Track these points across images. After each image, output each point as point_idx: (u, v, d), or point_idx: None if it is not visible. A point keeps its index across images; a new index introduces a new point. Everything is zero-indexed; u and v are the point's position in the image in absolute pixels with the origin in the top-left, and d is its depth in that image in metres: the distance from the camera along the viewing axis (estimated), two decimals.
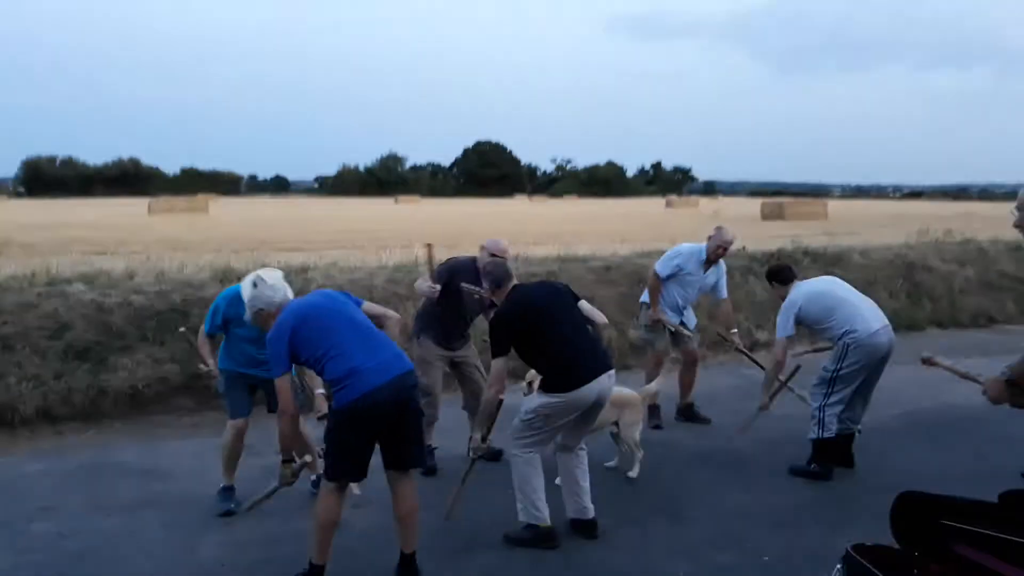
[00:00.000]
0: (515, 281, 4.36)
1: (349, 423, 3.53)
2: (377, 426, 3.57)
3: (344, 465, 3.59)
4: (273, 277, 3.91)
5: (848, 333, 5.02)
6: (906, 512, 2.14)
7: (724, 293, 6.49)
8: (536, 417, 4.15)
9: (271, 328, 3.66)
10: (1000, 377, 3.19)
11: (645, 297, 6.38)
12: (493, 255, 5.22)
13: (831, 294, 5.22)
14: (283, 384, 3.57)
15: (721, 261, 6.32)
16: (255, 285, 3.83)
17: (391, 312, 4.04)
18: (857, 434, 5.34)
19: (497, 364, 4.13)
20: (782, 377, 5.33)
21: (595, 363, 4.17)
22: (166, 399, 6.63)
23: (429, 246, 5.37)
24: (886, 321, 5.17)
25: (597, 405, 4.22)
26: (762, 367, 5.91)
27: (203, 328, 4.83)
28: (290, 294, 3.91)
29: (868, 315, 5.10)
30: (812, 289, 5.29)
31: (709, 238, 6.24)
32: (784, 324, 5.23)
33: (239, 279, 7.75)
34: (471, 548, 4.16)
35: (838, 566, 2.07)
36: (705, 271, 6.23)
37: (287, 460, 3.74)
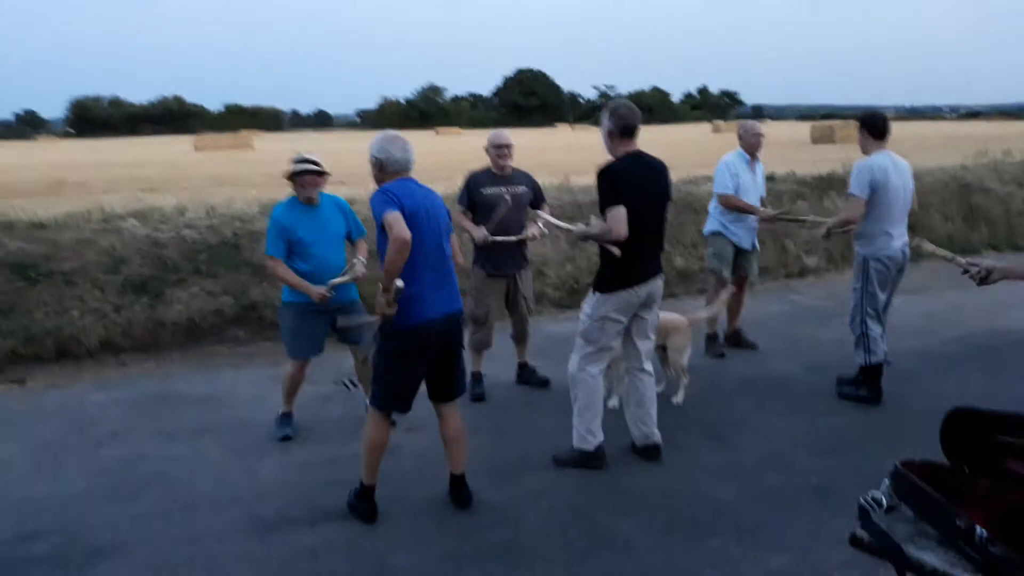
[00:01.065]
0: (636, 146, 4.14)
1: (404, 350, 3.59)
2: (426, 357, 3.64)
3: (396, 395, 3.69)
4: (409, 142, 3.72)
5: (869, 246, 5.05)
6: (957, 428, 2.14)
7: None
8: (592, 324, 4.18)
9: (378, 193, 3.51)
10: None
11: (709, 227, 6.28)
12: (497, 147, 5.22)
13: (898, 193, 5.01)
14: (391, 218, 3.38)
15: (760, 164, 6.21)
16: (390, 137, 3.69)
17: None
18: (887, 364, 5.25)
19: (617, 213, 3.93)
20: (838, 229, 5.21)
21: (653, 264, 4.20)
22: (221, 330, 6.81)
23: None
24: (906, 237, 5.13)
25: (647, 306, 4.23)
26: (808, 220, 6.54)
27: (268, 254, 4.64)
28: (411, 166, 3.70)
29: (897, 230, 5.05)
30: (887, 169, 4.98)
31: (740, 137, 6.20)
32: (860, 184, 4.95)
33: None
34: (519, 471, 4.26)
35: (886, 481, 2.08)
36: (753, 171, 6.12)
37: (387, 289, 3.45)
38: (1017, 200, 11.49)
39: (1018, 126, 51.32)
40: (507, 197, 5.15)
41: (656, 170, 4.19)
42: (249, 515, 3.83)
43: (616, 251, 3.99)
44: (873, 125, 5.08)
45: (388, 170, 3.64)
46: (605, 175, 4.04)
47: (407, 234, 3.37)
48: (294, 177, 4.64)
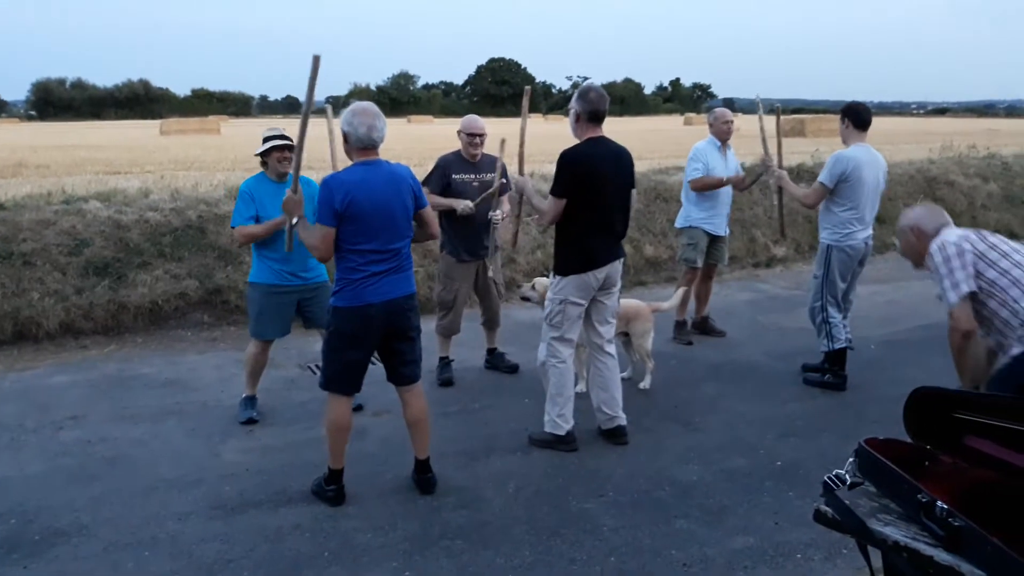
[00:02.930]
0: (601, 132, 4.15)
1: (344, 332, 3.57)
2: (369, 340, 3.61)
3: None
4: (381, 117, 3.57)
5: (834, 235, 5.10)
6: (919, 406, 2.16)
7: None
8: (555, 308, 4.19)
9: (323, 185, 3.48)
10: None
11: (680, 222, 6.28)
12: (470, 135, 5.18)
13: (868, 186, 5.06)
14: (319, 232, 3.48)
15: (731, 150, 6.23)
16: (359, 110, 3.52)
17: None
18: (850, 350, 5.30)
19: (554, 204, 4.02)
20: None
21: (612, 249, 4.22)
22: (185, 314, 6.71)
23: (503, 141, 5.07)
24: (871, 230, 5.21)
25: (606, 289, 4.25)
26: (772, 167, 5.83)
27: (232, 225, 4.56)
28: (376, 143, 3.56)
29: (863, 222, 5.12)
30: (862, 162, 5.02)
31: (710, 125, 6.23)
32: (830, 175, 5.01)
33: None
34: (488, 454, 4.26)
35: (850, 459, 2.10)
36: (724, 158, 6.14)
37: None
38: (981, 193, 11.70)
39: (983, 122, 52.31)
40: (476, 185, 5.16)
41: (619, 156, 4.19)
42: (212, 497, 3.78)
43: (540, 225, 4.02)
44: (857, 116, 5.10)
45: (352, 145, 3.56)
46: (563, 160, 4.07)
47: (328, 255, 3.53)
48: (268, 153, 4.53)
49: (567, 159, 4.05)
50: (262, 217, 4.45)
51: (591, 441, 4.38)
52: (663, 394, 5.14)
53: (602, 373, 4.39)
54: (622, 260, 4.34)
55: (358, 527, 3.50)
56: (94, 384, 5.38)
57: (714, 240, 6.21)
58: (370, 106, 3.58)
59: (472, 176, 5.18)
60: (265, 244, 4.52)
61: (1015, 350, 2.86)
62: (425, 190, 5.14)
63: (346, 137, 3.56)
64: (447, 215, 5.12)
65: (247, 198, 4.47)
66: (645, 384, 5.20)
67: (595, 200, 4.01)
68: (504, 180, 5.08)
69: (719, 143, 6.10)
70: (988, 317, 2.96)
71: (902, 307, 7.24)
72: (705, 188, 6.03)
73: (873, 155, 5.09)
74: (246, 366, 4.80)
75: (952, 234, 3.09)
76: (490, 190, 5.06)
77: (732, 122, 6.19)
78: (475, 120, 5.28)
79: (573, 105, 4.12)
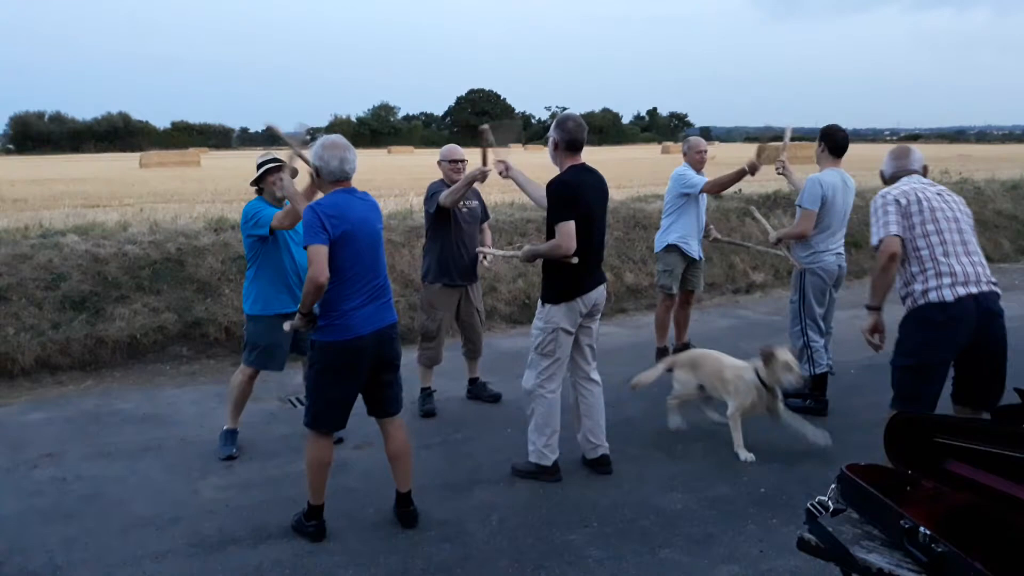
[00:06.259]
0: (581, 160, 4.17)
1: (334, 367, 3.52)
2: (358, 373, 3.57)
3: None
4: (351, 149, 3.58)
5: (806, 258, 5.18)
6: (900, 432, 2.16)
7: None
8: (545, 337, 4.17)
9: (308, 211, 3.40)
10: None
11: (664, 241, 6.31)
12: (451, 161, 5.22)
13: (839, 210, 5.13)
14: (313, 253, 3.35)
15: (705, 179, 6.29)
16: (328, 144, 3.52)
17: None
18: (831, 375, 5.35)
19: (567, 228, 3.96)
20: (792, 259, 5.34)
21: (597, 274, 4.25)
22: (163, 348, 6.64)
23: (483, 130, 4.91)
24: (842, 249, 5.27)
25: (591, 315, 4.26)
26: (750, 247, 7.14)
27: (265, 232, 4.46)
28: (349, 176, 3.55)
29: (834, 245, 5.19)
30: (836, 187, 5.09)
31: (684, 154, 6.30)
32: (812, 198, 5.07)
33: (233, 228, 7.75)
34: (470, 486, 4.22)
35: (833, 485, 2.10)
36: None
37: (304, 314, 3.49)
38: None
39: (955, 148, 53.21)
40: (464, 211, 5.23)
41: (600, 183, 4.24)
42: (191, 534, 3.71)
43: (575, 259, 4.00)
44: (834, 141, 5.18)
45: (325, 179, 3.54)
46: (557, 188, 4.06)
47: (323, 277, 3.35)
48: (263, 177, 4.54)
49: (559, 186, 4.07)
50: (274, 237, 4.49)
51: (575, 471, 4.36)
52: (646, 421, 5.12)
53: (587, 400, 4.37)
54: (605, 284, 4.36)
55: (339, 563, 3.45)
56: (71, 420, 5.30)
57: (690, 265, 6.25)
58: (339, 139, 3.60)
59: (458, 203, 5.21)
60: (265, 273, 4.53)
61: (917, 286, 3.67)
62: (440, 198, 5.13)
63: (318, 171, 3.55)
64: (440, 242, 5.18)
65: (263, 205, 4.52)
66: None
67: (583, 227, 4.03)
68: (476, 204, 5.35)
69: (695, 172, 6.16)
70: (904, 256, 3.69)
71: None
72: (719, 188, 6.19)
73: (844, 178, 5.18)
74: (231, 396, 4.74)
75: (896, 188, 3.78)
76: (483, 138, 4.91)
77: (706, 151, 6.28)
78: (455, 148, 5.36)
79: (552, 134, 4.15)
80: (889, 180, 3.96)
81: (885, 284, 3.74)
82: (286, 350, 4.66)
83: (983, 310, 3.59)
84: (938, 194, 3.78)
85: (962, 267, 3.62)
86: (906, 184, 3.81)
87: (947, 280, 3.59)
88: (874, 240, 3.74)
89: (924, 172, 4.00)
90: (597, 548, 3.55)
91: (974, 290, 3.58)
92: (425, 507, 3.87)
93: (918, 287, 3.67)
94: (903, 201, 3.70)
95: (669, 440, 4.82)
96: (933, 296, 3.62)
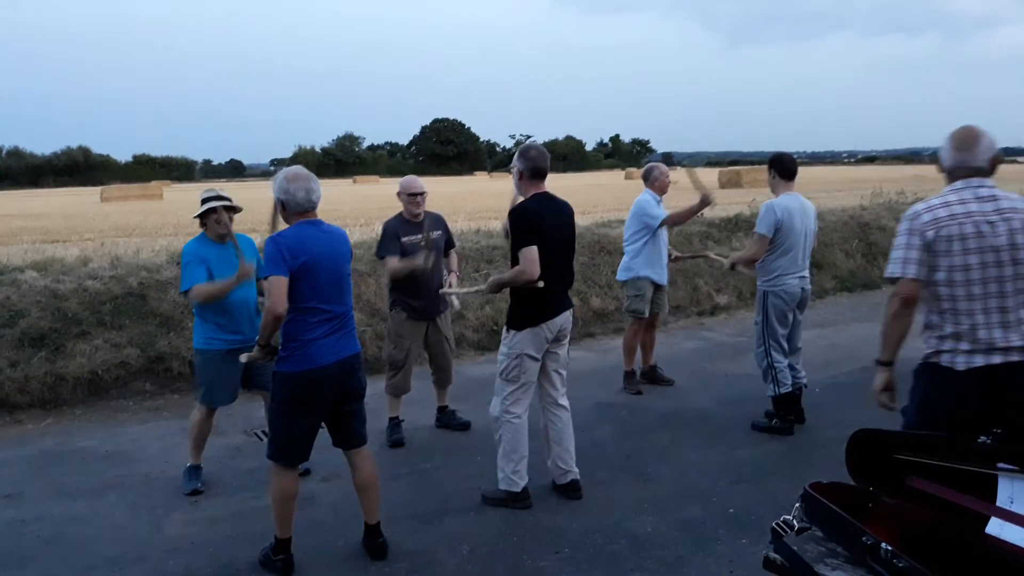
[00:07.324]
0: (544, 187, 4.20)
1: (296, 398, 3.49)
2: (321, 404, 3.54)
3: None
4: (315, 179, 3.58)
5: (768, 281, 5.25)
6: (861, 449, 2.20)
7: None
8: (511, 363, 4.17)
9: (270, 243, 3.39)
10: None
11: (624, 274, 6.36)
12: (411, 194, 5.23)
13: (799, 233, 5.20)
14: (271, 284, 3.34)
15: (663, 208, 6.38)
16: (291, 175, 3.52)
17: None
18: (804, 388, 5.45)
19: (531, 253, 3.99)
20: (749, 271, 5.48)
21: (563, 299, 4.27)
22: (126, 383, 6.52)
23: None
24: (806, 272, 5.34)
25: (559, 340, 4.28)
26: (710, 256, 7.03)
27: (183, 289, 4.44)
28: (314, 206, 3.55)
29: (796, 267, 5.25)
30: (793, 210, 5.18)
31: (645, 179, 6.41)
32: (766, 224, 5.14)
33: None
34: (440, 515, 4.19)
35: (797, 504, 2.12)
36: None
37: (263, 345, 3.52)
38: None
39: (910, 169, 54.48)
40: (424, 244, 5.17)
41: (565, 210, 4.29)
42: (155, 573, 3.64)
43: (540, 283, 4.02)
44: (782, 166, 5.29)
45: (291, 211, 3.53)
46: (519, 215, 4.09)
47: (281, 308, 3.34)
48: (206, 215, 4.50)
49: (521, 212, 4.10)
50: (215, 276, 4.39)
51: (545, 496, 4.35)
52: (615, 445, 5.14)
53: (556, 426, 4.38)
54: (572, 310, 4.39)
55: None
56: (30, 460, 5.18)
57: (657, 289, 6.32)
58: (301, 170, 3.59)
59: (419, 236, 5.19)
60: (210, 307, 4.44)
61: (931, 337, 3.01)
62: (388, 257, 5.15)
63: (284, 204, 3.53)
64: (404, 276, 5.13)
65: (196, 259, 4.41)
66: None
67: (547, 252, 4.06)
68: (440, 233, 5.28)
69: (658, 198, 6.24)
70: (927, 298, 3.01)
71: (842, 350, 7.41)
72: (677, 222, 6.28)
73: (801, 202, 5.27)
74: (191, 434, 4.67)
75: (932, 211, 2.96)
76: (423, 241, 5.09)
77: (667, 176, 6.37)
78: (414, 180, 5.34)
79: (515, 164, 4.19)
80: (947, 175, 3.10)
81: (897, 334, 3.09)
82: (234, 383, 4.58)
83: (1000, 383, 2.88)
84: (996, 211, 2.91)
85: (987, 330, 2.88)
86: (953, 197, 2.98)
87: (965, 346, 2.91)
88: (888, 271, 3.07)
89: (992, 168, 3.03)
90: (568, 574, 3.54)
91: (996, 360, 2.87)
92: (395, 538, 3.83)
93: (932, 339, 3.04)
94: (930, 235, 2.92)
95: (638, 463, 4.83)
96: (945, 359, 2.98)
